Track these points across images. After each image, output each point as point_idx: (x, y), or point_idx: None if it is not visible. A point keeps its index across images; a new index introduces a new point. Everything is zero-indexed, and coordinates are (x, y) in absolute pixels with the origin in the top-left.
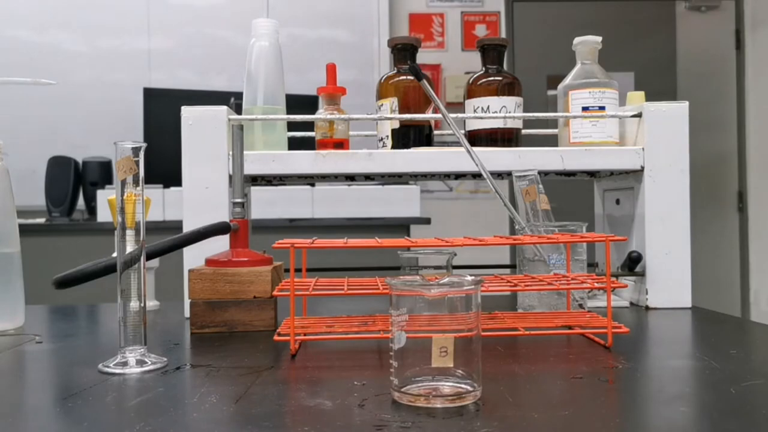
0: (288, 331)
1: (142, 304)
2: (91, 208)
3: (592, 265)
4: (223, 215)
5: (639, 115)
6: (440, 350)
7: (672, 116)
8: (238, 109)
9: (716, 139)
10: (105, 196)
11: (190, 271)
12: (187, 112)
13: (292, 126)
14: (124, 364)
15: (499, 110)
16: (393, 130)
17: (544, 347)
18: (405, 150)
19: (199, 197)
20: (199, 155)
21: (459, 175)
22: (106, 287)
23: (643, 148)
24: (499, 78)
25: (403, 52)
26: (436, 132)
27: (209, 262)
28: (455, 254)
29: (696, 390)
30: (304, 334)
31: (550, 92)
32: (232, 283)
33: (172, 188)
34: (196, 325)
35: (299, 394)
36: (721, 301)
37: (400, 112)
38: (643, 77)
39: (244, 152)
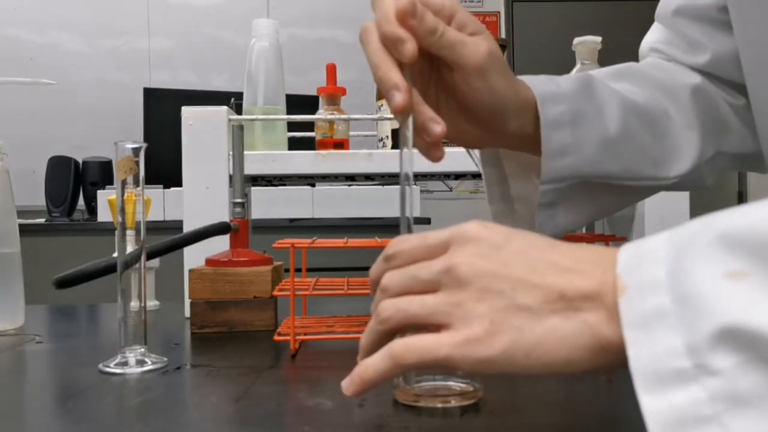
0: (288, 331)
1: (142, 304)
2: (91, 208)
3: None
4: (223, 215)
5: None
6: None
7: None
8: (238, 109)
9: None
10: (105, 196)
11: (190, 271)
12: (187, 112)
13: (292, 126)
14: (124, 364)
15: None
16: (393, 130)
17: None
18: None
19: (200, 197)
20: (199, 155)
21: (459, 175)
22: (106, 287)
23: None
24: None
25: None
26: None
27: (209, 262)
28: None
29: None
30: (304, 334)
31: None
32: (233, 283)
33: (172, 188)
34: (197, 325)
35: (299, 394)
36: None
37: None
38: None
39: (245, 152)
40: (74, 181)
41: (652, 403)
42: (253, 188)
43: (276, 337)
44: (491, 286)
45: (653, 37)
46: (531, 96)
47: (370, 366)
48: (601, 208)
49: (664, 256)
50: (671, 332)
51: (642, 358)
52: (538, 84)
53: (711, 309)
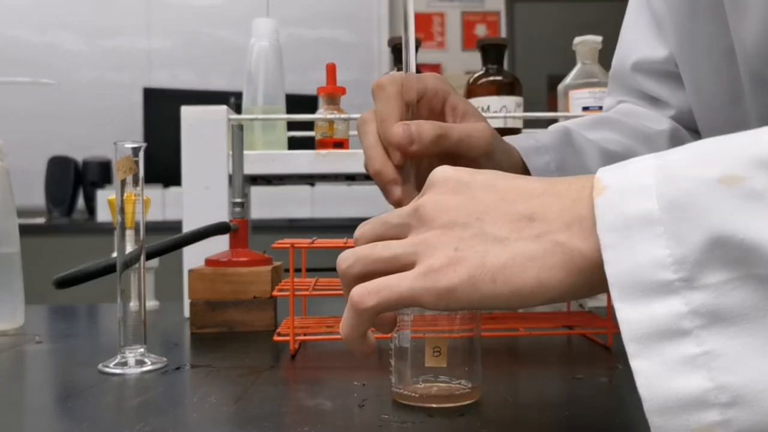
0: (288, 331)
1: (142, 304)
2: (91, 208)
3: None
4: (223, 215)
5: None
6: (433, 350)
7: None
8: (238, 109)
9: None
10: (105, 196)
11: (190, 271)
12: (187, 112)
13: (292, 126)
14: (124, 364)
15: (500, 110)
16: None
17: (544, 347)
18: None
19: (199, 197)
20: (199, 155)
21: None
22: (106, 287)
23: None
24: (500, 78)
25: None
26: None
27: (209, 262)
28: None
29: None
30: (304, 335)
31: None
32: (232, 283)
33: (172, 188)
34: (196, 325)
35: (299, 394)
36: None
37: None
38: None
39: (244, 152)
40: (74, 181)
41: (628, 312)
42: (252, 188)
43: (276, 338)
44: (457, 219)
45: (614, 99)
46: (519, 155)
47: (341, 326)
48: None
49: (653, 164)
50: (658, 242)
51: (620, 264)
52: (518, 140)
53: (703, 215)
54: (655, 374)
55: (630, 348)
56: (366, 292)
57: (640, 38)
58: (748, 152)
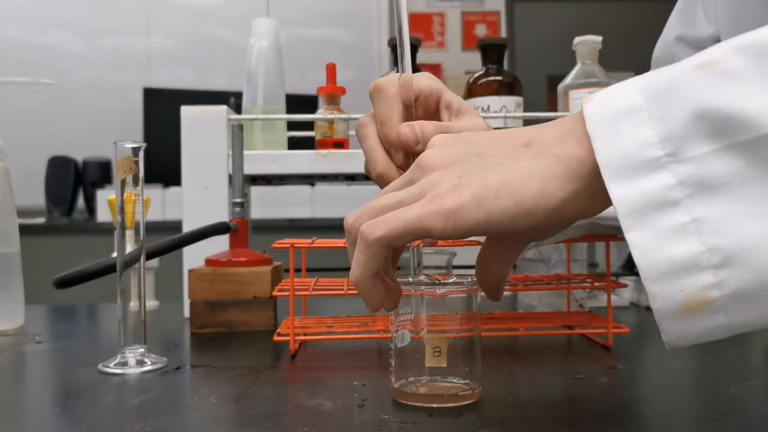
0: (288, 331)
1: (142, 304)
2: (91, 208)
3: (592, 265)
4: (223, 215)
5: None
6: (434, 350)
7: None
8: (238, 109)
9: None
10: (105, 196)
11: (190, 271)
12: (187, 112)
13: (292, 126)
14: (124, 364)
15: (500, 110)
16: None
17: (544, 347)
18: None
19: (199, 197)
20: (199, 155)
21: None
22: (106, 287)
23: None
24: (500, 78)
25: None
26: None
27: (209, 262)
28: (455, 254)
29: (696, 390)
30: (304, 335)
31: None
32: (232, 283)
33: (172, 188)
34: (196, 325)
35: (299, 394)
36: None
37: None
38: None
39: (244, 152)
40: (74, 181)
41: (620, 191)
42: (252, 188)
43: (276, 338)
44: (458, 158)
45: None
46: None
47: (351, 271)
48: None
49: (636, 77)
50: (644, 126)
51: (609, 150)
52: None
53: (684, 95)
54: (649, 244)
55: (625, 223)
56: (374, 223)
57: (686, 16)
58: (724, 45)
